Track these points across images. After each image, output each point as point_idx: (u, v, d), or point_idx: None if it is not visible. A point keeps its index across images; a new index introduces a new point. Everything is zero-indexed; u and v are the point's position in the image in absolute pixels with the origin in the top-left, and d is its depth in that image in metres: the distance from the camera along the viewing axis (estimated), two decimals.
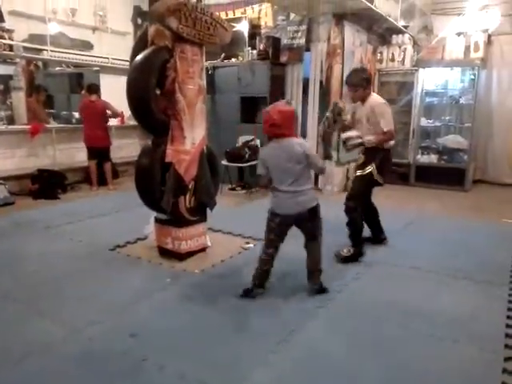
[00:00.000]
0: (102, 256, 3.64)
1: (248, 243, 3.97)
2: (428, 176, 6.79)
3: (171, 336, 2.43)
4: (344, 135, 3.64)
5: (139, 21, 7.86)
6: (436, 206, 5.62)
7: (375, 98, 3.68)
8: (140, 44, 3.46)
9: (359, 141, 3.56)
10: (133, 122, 5.96)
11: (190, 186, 3.48)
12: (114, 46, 7.25)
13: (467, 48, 6.75)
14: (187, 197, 3.48)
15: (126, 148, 7.30)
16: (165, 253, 3.57)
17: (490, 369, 2.17)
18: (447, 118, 7.02)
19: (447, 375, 2.12)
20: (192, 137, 3.43)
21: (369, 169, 3.55)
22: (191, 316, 2.67)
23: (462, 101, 6.79)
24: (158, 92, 3.33)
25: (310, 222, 2.87)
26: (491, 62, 7.03)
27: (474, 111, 6.64)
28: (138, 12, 7.86)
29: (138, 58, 3.25)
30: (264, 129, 2.81)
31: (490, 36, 6.86)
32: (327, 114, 3.90)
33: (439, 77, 7.00)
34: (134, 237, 3.99)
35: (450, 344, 2.39)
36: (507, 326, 2.57)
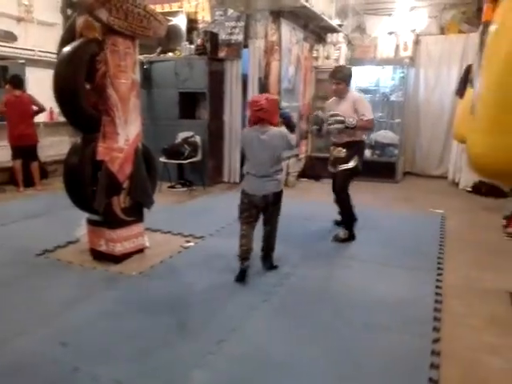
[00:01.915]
0: (30, 262, 3.40)
1: (188, 242, 3.89)
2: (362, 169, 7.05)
3: (105, 343, 2.32)
4: (330, 113, 3.92)
5: (69, 11, 7.41)
6: (369, 197, 5.83)
7: (355, 93, 4.21)
8: (67, 36, 3.28)
9: (341, 118, 3.79)
10: (63, 119, 5.62)
11: (124, 185, 3.34)
12: (42, 38, 6.77)
13: (397, 47, 7.10)
14: (122, 196, 3.34)
15: (56, 146, 6.86)
16: (99, 256, 3.41)
17: (420, 351, 2.28)
18: (379, 114, 7.32)
19: (380, 361, 2.21)
20: (126, 133, 3.30)
21: (353, 162, 3.92)
22: (128, 320, 2.56)
23: (392, 98, 7.14)
24: (88, 86, 3.17)
25: (272, 205, 3.14)
26: (419, 61, 7.44)
27: (404, 108, 7.00)
28: (67, 2, 7.41)
29: (65, 50, 3.08)
30: (251, 115, 3.07)
31: (417, 36, 7.25)
32: (313, 127, 4.21)
33: (372, 75, 7.31)
34: (64, 240, 3.76)
35: (383, 330, 2.50)
36: (435, 309, 2.73)
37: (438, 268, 3.42)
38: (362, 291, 3.01)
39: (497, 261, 3.57)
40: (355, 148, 3.95)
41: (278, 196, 3.14)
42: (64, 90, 3.07)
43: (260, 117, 3.02)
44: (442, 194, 6.24)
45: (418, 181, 7.35)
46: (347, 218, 4.08)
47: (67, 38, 3.25)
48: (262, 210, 3.14)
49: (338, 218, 4.30)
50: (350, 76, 4.02)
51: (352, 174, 3.98)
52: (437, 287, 3.06)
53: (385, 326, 2.54)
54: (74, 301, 2.76)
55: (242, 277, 3.08)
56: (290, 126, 3.22)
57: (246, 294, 2.92)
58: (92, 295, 2.85)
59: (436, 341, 2.37)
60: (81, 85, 3.08)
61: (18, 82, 5.84)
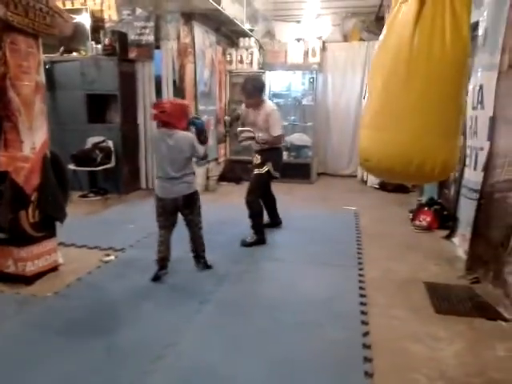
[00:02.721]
0: None
1: (108, 255, 3.64)
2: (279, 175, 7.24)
3: (22, 377, 2.06)
4: (239, 128, 4.14)
5: None
6: (288, 198, 5.96)
7: (269, 104, 4.13)
8: None
9: (251, 135, 3.99)
10: None
11: (32, 198, 3.02)
12: None
13: (306, 53, 7.40)
14: (30, 210, 3.02)
15: None
16: (6, 278, 3.04)
17: (352, 346, 2.37)
18: (292, 117, 7.60)
19: (316, 359, 2.25)
20: (31, 141, 3.00)
21: (266, 167, 4.03)
22: (46, 348, 2.31)
23: (304, 102, 7.44)
24: None
25: (186, 208, 3.15)
26: (326, 67, 7.81)
27: (315, 111, 7.33)
28: None
29: None
30: (154, 116, 3.04)
31: (324, 43, 7.62)
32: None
33: (284, 79, 7.54)
34: None
35: (314, 328, 2.56)
36: (361, 303, 2.87)
37: (359, 263, 3.61)
38: (290, 291, 3.07)
39: (409, 252, 3.87)
40: (269, 154, 4.05)
41: (189, 198, 3.14)
42: None
43: (162, 119, 3.01)
44: (354, 192, 6.64)
45: (331, 180, 7.74)
46: (254, 222, 4.05)
47: None
48: (175, 213, 3.15)
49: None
50: (260, 89, 4.06)
51: (264, 179, 4.08)
52: (360, 282, 3.22)
53: (316, 324, 2.61)
54: None
55: (157, 278, 3.13)
56: (201, 136, 3.16)
57: (179, 305, 2.80)
58: (2, 322, 2.53)
59: (366, 334, 2.48)
60: None
61: None
